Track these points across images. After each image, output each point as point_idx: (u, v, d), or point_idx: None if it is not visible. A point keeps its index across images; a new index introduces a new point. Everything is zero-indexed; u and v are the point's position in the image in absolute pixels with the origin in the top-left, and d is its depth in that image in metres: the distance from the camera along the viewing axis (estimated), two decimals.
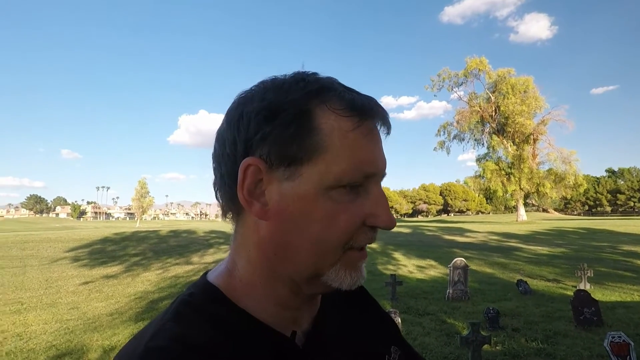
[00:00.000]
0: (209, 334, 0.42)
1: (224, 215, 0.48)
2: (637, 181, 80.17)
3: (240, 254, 0.47)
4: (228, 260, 0.49)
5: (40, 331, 5.52)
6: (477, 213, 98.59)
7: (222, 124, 0.47)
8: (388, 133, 0.47)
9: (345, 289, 0.44)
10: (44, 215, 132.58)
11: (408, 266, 10.41)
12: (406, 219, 77.32)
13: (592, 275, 7.42)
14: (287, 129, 0.41)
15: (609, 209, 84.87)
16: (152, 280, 9.36)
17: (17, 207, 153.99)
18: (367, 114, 0.43)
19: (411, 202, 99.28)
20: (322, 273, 0.43)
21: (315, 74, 0.45)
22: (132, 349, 0.40)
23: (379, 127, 0.46)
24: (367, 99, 0.45)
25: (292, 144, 0.41)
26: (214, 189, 0.48)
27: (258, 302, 0.46)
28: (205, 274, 0.51)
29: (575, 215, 73.26)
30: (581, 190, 37.67)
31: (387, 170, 0.46)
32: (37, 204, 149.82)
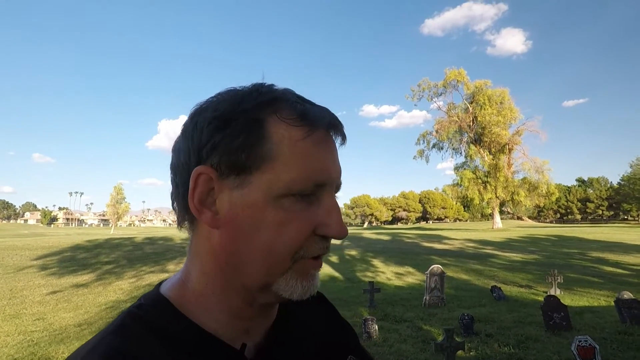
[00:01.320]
0: (153, 348, 0.40)
1: (179, 224, 0.47)
2: (605, 190, 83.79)
3: (194, 264, 0.46)
4: (183, 270, 0.48)
5: (1, 344, 5.23)
6: (455, 220, 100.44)
7: (179, 134, 0.47)
8: (343, 143, 0.47)
9: (297, 299, 0.44)
10: (11, 221, 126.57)
11: (386, 273, 10.49)
12: (386, 226, 78.04)
13: (562, 281, 7.68)
14: (236, 138, 0.41)
15: (579, 216, 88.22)
16: (125, 289, 9.06)
17: None
18: (318, 123, 0.43)
19: (391, 210, 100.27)
20: (272, 282, 0.43)
21: (271, 85, 0.46)
22: None
23: (333, 137, 0.46)
24: (320, 109, 0.45)
25: (242, 153, 0.41)
26: (171, 199, 0.48)
27: (210, 313, 0.45)
28: (160, 284, 0.50)
29: (548, 222, 75.83)
30: (553, 198, 39.14)
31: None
32: (4, 209, 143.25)
